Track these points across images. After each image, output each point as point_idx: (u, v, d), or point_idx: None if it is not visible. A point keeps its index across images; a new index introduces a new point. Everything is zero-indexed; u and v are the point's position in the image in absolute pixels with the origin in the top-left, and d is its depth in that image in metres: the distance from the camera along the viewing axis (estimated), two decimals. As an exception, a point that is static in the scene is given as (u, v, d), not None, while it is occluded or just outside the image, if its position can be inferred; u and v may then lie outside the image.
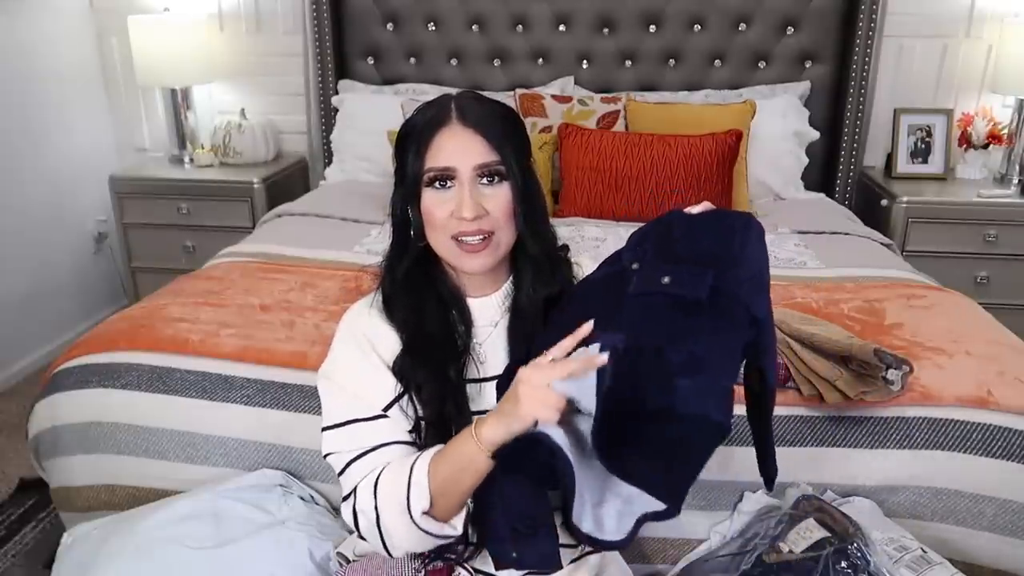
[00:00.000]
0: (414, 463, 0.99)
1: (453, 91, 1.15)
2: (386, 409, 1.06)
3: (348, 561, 1.28)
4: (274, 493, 1.50)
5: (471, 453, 0.94)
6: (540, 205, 1.11)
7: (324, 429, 1.08)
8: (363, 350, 1.09)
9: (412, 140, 1.05)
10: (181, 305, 1.88)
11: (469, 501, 1.01)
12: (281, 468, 1.59)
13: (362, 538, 1.06)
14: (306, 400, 1.59)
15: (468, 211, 1.02)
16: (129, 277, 3.19)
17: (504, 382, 0.97)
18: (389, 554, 1.03)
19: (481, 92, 1.16)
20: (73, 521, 1.66)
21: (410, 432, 1.07)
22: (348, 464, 1.05)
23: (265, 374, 1.63)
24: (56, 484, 1.71)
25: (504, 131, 1.06)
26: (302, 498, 1.52)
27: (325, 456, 1.08)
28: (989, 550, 1.51)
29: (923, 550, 1.38)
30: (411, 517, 0.98)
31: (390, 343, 1.09)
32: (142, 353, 1.69)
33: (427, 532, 0.99)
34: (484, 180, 1.04)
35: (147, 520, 1.43)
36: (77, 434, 1.64)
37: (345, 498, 1.04)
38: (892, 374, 1.50)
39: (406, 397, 1.07)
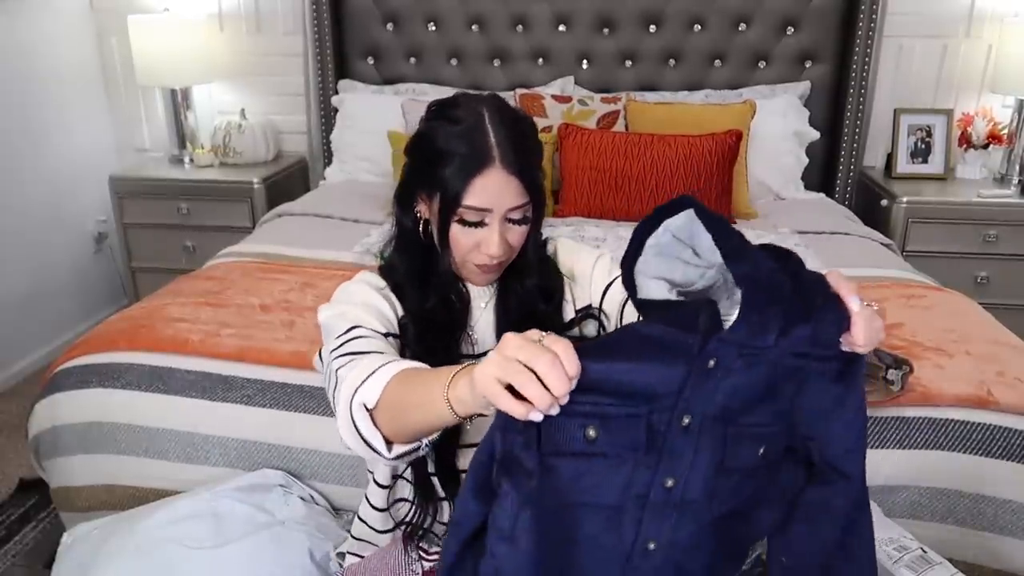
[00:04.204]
0: (388, 362, 0.94)
1: (467, 91, 1.17)
2: (385, 336, 1.08)
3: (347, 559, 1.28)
4: (274, 493, 1.50)
5: (436, 393, 0.82)
6: (543, 213, 1.16)
7: (329, 352, 1.05)
8: (369, 291, 1.13)
9: (449, 164, 1.05)
10: (181, 305, 1.88)
11: (427, 450, 0.96)
12: (281, 468, 1.59)
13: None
14: (306, 400, 1.59)
15: (496, 250, 1.06)
16: (129, 277, 3.19)
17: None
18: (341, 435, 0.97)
19: (480, 91, 1.18)
20: (73, 521, 1.66)
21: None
22: (350, 329, 1.05)
23: (265, 374, 1.63)
24: (56, 484, 1.71)
25: (536, 165, 1.09)
26: (302, 498, 1.52)
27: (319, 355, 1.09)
28: (989, 550, 1.51)
29: (923, 550, 1.38)
30: (351, 400, 0.93)
31: (392, 304, 1.14)
32: (142, 353, 1.69)
33: (356, 426, 0.93)
34: (510, 221, 1.08)
35: (147, 520, 1.42)
36: (77, 434, 1.64)
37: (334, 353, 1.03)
38: (892, 374, 1.50)
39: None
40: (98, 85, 3.32)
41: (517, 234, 1.09)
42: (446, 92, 3.01)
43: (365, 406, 0.92)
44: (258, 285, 2.01)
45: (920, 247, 2.76)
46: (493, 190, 1.04)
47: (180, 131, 3.21)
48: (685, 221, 0.71)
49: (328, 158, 3.16)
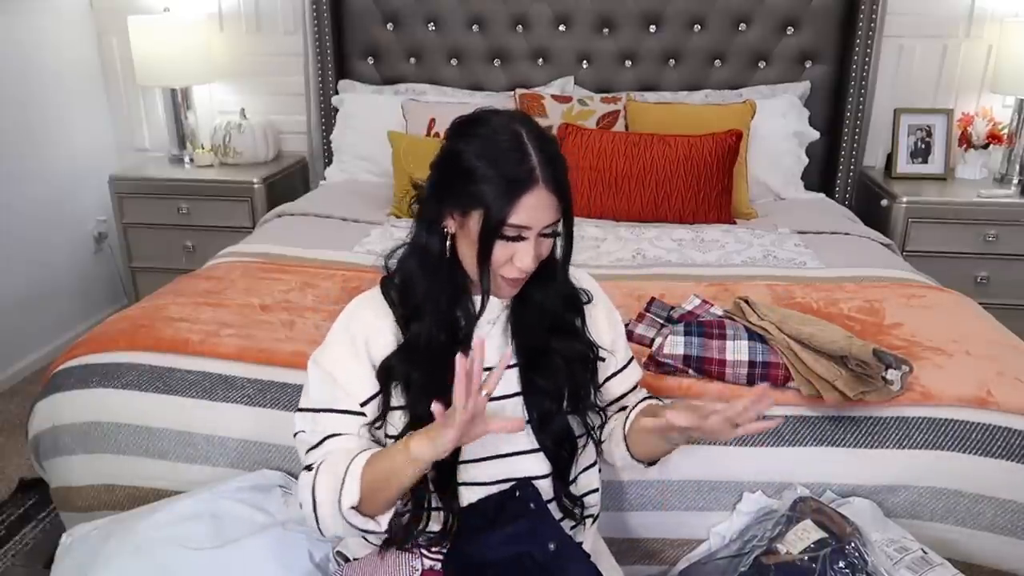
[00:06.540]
0: (352, 460, 1.09)
1: (487, 108, 1.16)
2: (363, 404, 1.16)
3: (347, 561, 1.28)
4: (274, 493, 1.50)
5: (400, 463, 1.04)
6: (572, 227, 1.19)
7: (299, 410, 1.19)
8: (355, 345, 1.17)
9: (491, 183, 1.06)
10: (181, 305, 1.88)
11: (399, 502, 1.11)
12: (281, 468, 1.59)
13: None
14: (306, 400, 1.59)
15: (530, 264, 1.11)
16: (129, 277, 3.19)
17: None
18: (321, 533, 1.13)
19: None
20: (73, 521, 1.66)
21: (376, 427, 1.17)
22: (319, 443, 1.16)
23: (265, 374, 1.63)
24: (56, 484, 1.71)
25: (568, 182, 1.12)
26: (302, 498, 1.52)
27: (295, 434, 1.19)
28: (989, 550, 1.51)
29: (923, 551, 1.38)
30: (340, 508, 1.07)
31: (386, 340, 1.17)
32: (142, 353, 1.69)
33: (352, 524, 1.09)
34: (541, 235, 1.12)
35: (147, 520, 1.42)
36: (77, 434, 1.64)
37: (307, 468, 1.14)
38: (892, 374, 1.50)
39: (385, 395, 1.16)
40: (98, 85, 3.32)
41: (545, 246, 1.14)
42: (446, 92, 3.05)
43: (351, 506, 1.07)
44: (258, 285, 2.01)
45: (920, 247, 2.76)
46: (535, 210, 1.08)
47: (180, 131, 3.21)
48: None
49: (328, 158, 3.16)
